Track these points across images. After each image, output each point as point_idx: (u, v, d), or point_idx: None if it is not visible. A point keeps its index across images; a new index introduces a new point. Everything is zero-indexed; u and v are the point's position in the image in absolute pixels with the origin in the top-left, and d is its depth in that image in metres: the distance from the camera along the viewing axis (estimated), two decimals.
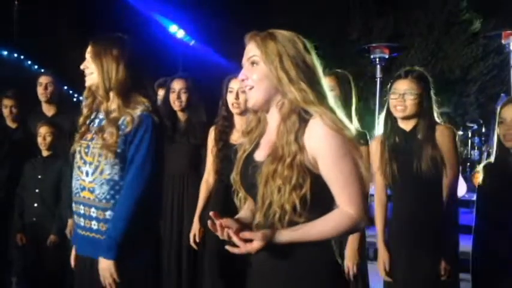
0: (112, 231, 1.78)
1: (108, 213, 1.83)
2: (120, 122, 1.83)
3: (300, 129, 1.34)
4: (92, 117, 1.94)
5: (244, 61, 1.45)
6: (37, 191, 3.17)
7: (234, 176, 1.50)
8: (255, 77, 1.41)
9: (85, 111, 1.94)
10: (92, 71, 1.87)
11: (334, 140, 1.31)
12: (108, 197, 1.82)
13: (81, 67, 1.89)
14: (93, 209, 1.85)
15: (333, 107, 1.38)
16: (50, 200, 3.14)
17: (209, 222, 1.35)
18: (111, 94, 1.86)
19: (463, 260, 2.38)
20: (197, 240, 2.77)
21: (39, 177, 3.19)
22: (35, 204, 3.17)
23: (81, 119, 1.94)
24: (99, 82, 1.85)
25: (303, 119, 1.35)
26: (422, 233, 2.24)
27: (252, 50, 1.43)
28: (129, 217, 1.78)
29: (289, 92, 1.37)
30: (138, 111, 1.83)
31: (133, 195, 1.79)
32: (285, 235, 1.32)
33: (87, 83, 1.90)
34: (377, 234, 2.38)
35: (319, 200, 1.34)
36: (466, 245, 2.40)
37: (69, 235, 2.97)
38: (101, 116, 1.92)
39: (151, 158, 1.82)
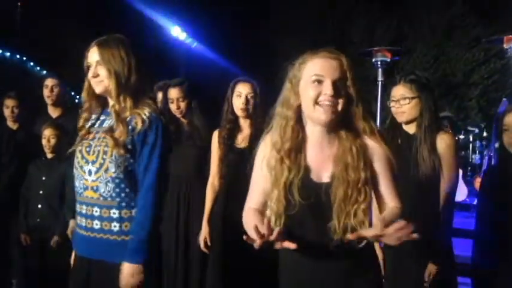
0: (139, 233, 1.78)
1: (113, 211, 1.83)
2: (128, 120, 1.84)
3: (365, 151, 1.49)
4: (92, 119, 1.94)
5: (330, 78, 1.46)
6: (41, 192, 3.19)
7: (278, 204, 1.52)
8: (343, 101, 1.47)
9: (85, 114, 1.93)
10: (102, 78, 1.85)
11: (389, 156, 1.51)
12: (113, 195, 1.83)
13: (91, 75, 1.85)
14: (96, 208, 1.84)
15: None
16: (54, 201, 3.15)
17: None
18: (121, 97, 1.85)
19: (463, 264, 2.40)
20: (208, 243, 2.78)
21: (44, 178, 3.21)
22: (39, 206, 3.18)
23: (81, 122, 1.94)
24: (112, 87, 1.84)
25: (360, 138, 1.50)
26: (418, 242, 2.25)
27: (341, 71, 1.47)
28: (153, 217, 1.80)
29: (360, 122, 1.50)
30: (146, 112, 1.84)
31: (155, 195, 1.81)
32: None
33: (99, 90, 1.87)
34: None
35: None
36: (466, 249, 2.41)
37: (70, 235, 2.98)
38: (103, 117, 1.92)
39: (165, 158, 1.86)
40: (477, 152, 7.23)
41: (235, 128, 2.74)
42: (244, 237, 1.36)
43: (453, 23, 10.67)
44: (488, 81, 10.51)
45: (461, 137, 7.33)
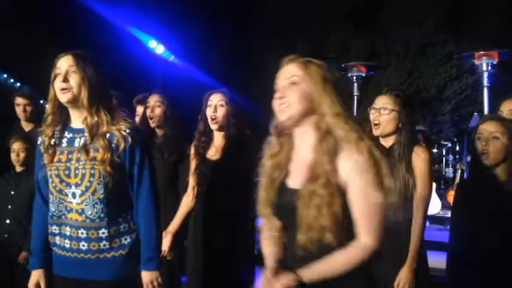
0: (149, 244, 1.85)
1: (102, 231, 1.81)
2: (108, 137, 1.80)
3: (336, 152, 1.39)
4: (56, 136, 1.86)
5: (282, 81, 1.49)
6: (9, 207, 3.11)
7: (264, 205, 1.51)
8: (294, 96, 1.45)
9: (48, 131, 1.86)
10: (72, 85, 1.78)
11: (367, 171, 1.36)
12: (102, 215, 1.80)
13: (60, 79, 1.78)
14: (81, 230, 1.80)
15: (365, 135, 1.44)
16: (23, 216, 3.06)
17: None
18: (93, 110, 1.80)
19: (438, 277, 2.41)
20: (168, 257, 2.72)
21: (12, 193, 3.12)
22: (7, 221, 3.10)
23: (45, 141, 1.85)
24: (84, 97, 1.78)
25: (347, 140, 1.40)
26: (390, 251, 2.27)
27: (293, 71, 1.48)
28: (157, 227, 1.87)
29: (328, 115, 1.42)
30: (125, 129, 1.82)
31: (154, 207, 1.87)
32: (308, 274, 1.38)
33: (65, 99, 1.79)
34: None
35: (352, 220, 1.39)
36: (440, 261, 2.43)
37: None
38: (70, 134, 1.85)
39: (155, 175, 1.90)
40: (450, 165, 7.35)
41: (207, 140, 2.73)
42: None
43: (426, 40, 10.92)
44: (460, 96, 10.74)
45: (435, 150, 7.45)
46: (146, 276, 1.84)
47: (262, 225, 1.54)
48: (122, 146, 1.80)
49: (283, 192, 1.48)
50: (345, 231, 1.38)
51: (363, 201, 1.37)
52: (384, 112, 2.32)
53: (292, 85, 1.46)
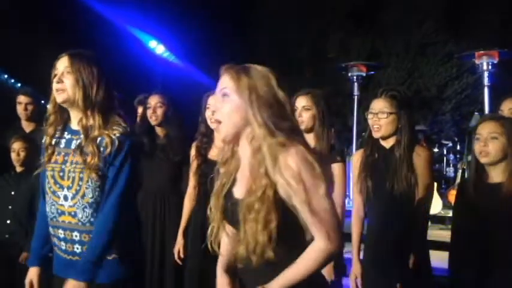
0: (90, 255, 1.75)
1: None
2: (98, 141, 1.79)
3: (271, 162, 1.36)
4: (55, 136, 1.87)
5: (216, 92, 1.48)
6: (10, 207, 3.10)
7: (213, 211, 1.50)
8: (225, 109, 1.43)
9: (50, 130, 1.86)
10: (67, 86, 1.79)
11: (304, 174, 1.33)
12: (92, 219, 1.79)
13: (55, 80, 1.79)
14: (75, 233, 1.81)
15: (301, 140, 1.40)
16: (23, 216, 3.07)
17: None
18: (89, 112, 1.81)
19: (440, 277, 2.41)
20: (181, 255, 2.76)
21: (12, 193, 3.12)
22: (8, 221, 3.09)
23: (46, 140, 1.87)
24: (79, 98, 1.78)
25: (274, 151, 1.36)
26: (393, 251, 2.27)
27: (224, 82, 1.45)
28: (107, 242, 1.76)
29: (255, 126, 1.39)
30: (116, 133, 1.79)
31: (113, 219, 1.77)
32: (275, 285, 1.36)
33: (60, 99, 1.80)
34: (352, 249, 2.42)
35: (292, 233, 1.37)
36: (441, 261, 2.43)
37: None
38: (68, 135, 1.86)
39: (131, 184, 1.82)
40: (451, 165, 7.34)
41: (208, 141, 2.74)
42: None
43: (426, 40, 10.91)
44: (461, 95, 10.73)
45: (436, 150, 7.44)
46: (70, 284, 1.72)
47: (210, 231, 1.52)
48: (108, 150, 1.78)
49: (229, 200, 1.48)
50: (287, 246, 1.37)
51: (309, 207, 1.34)
52: (382, 116, 2.31)
53: (224, 97, 1.45)
